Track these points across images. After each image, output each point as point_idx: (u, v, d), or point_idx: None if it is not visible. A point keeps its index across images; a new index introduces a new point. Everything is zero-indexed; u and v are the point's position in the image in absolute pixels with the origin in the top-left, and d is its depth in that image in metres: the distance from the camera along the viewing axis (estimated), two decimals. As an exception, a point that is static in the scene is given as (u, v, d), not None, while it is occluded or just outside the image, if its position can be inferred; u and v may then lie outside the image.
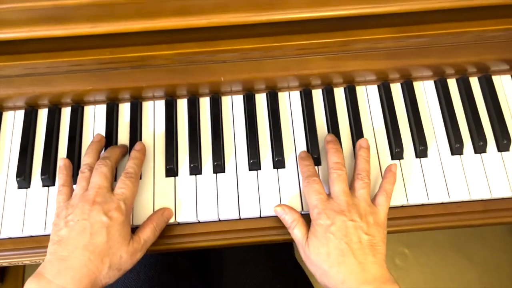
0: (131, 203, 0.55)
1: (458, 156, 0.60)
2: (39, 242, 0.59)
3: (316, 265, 0.52)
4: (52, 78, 0.56)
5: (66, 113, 0.63)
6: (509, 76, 0.64)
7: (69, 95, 0.61)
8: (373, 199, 0.55)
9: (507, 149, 0.60)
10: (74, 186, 0.55)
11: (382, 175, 0.58)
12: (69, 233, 0.50)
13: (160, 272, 0.71)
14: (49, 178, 0.59)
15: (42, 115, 0.63)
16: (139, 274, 0.70)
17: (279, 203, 0.58)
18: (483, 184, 0.59)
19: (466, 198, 0.58)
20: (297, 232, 0.54)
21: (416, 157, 0.60)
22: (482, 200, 0.59)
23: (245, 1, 0.46)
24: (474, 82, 0.64)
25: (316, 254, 0.51)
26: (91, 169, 0.55)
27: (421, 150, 0.60)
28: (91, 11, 0.45)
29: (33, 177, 0.60)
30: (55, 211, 0.54)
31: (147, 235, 0.54)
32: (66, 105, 0.63)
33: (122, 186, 0.54)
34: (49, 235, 0.58)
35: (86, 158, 0.57)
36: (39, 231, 0.58)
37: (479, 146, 0.60)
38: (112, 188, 0.54)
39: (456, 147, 0.60)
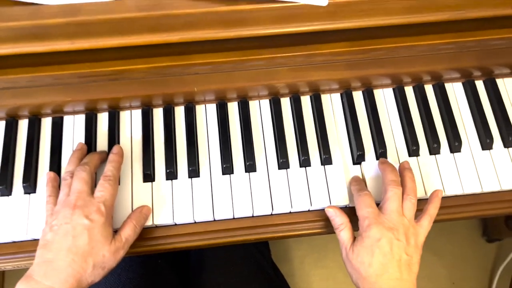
0: (111, 204, 0.58)
1: (415, 157, 0.66)
2: (21, 247, 0.61)
3: (355, 269, 0.56)
4: (33, 90, 0.59)
5: (46, 123, 0.66)
6: (460, 83, 0.70)
7: (48, 106, 0.64)
8: (417, 219, 0.58)
9: (459, 151, 0.66)
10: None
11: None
12: (53, 237, 0.53)
13: (141, 274, 0.74)
14: (30, 186, 0.62)
15: (23, 126, 0.65)
16: (120, 276, 0.73)
17: (252, 204, 0.62)
18: (438, 183, 0.64)
19: (423, 196, 0.63)
20: (344, 235, 0.58)
21: (377, 159, 0.65)
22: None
23: (214, 19, 0.50)
24: (429, 89, 0.69)
25: (358, 261, 0.55)
26: (72, 176, 0.58)
27: (381, 153, 0.65)
28: (70, 29, 0.48)
29: (14, 185, 0.62)
30: (45, 219, 0.57)
31: (127, 233, 0.57)
32: (46, 115, 0.66)
33: (101, 189, 0.57)
34: (31, 240, 0.61)
35: (68, 166, 0.60)
36: (21, 237, 0.60)
37: (434, 148, 0.65)
38: (92, 192, 0.57)
39: (413, 150, 0.65)
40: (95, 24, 0.48)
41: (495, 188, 0.64)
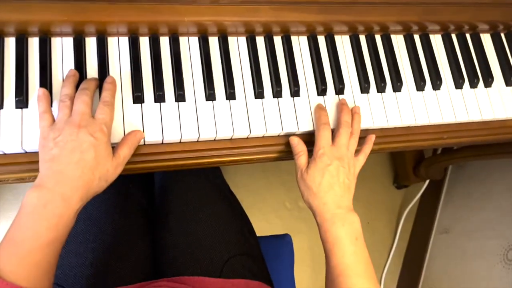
0: (111, 126, 0.63)
1: (366, 94, 0.79)
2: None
3: (308, 187, 0.69)
4: (28, 5, 0.61)
5: (34, 43, 0.67)
6: (402, 36, 0.84)
7: (36, 24, 0.65)
8: (355, 155, 0.72)
9: (399, 90, 0.80)
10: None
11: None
12: (60, 151, 0.57)
13: (114, 193, 0.80)
14: (22, 100, 0.64)
15: (10, 44, 0.66)
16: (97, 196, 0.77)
17: (232, 126, 0.70)
18: (382, 115, 0.78)
19: (370, 125, 0.77)
20: (302, 159, 0.71)
21: (336, 93, 0.77)
22: (366, 129, 0.78)
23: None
24: (378, 39, 0.82)
25: (311, 180, 0.68)
26: (71, 99, 0.62)
27: (339, 88, 0.77)
28: None
29: (5, 98, 0.64)
30: (40, 135, 0.60)
31: (125, 152, 0.63)
32: (33, 35, 0.67)
33: (102, 112, 0.62)
34: (22, 153, 0.64)
35: (64, 90, 0.63)
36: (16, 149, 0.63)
37: (381, 87, 0.79)
38: (92, 115, 0.61)
39: (364, 87, 0.78)
40: None
41: (425, 121, 0.80)
